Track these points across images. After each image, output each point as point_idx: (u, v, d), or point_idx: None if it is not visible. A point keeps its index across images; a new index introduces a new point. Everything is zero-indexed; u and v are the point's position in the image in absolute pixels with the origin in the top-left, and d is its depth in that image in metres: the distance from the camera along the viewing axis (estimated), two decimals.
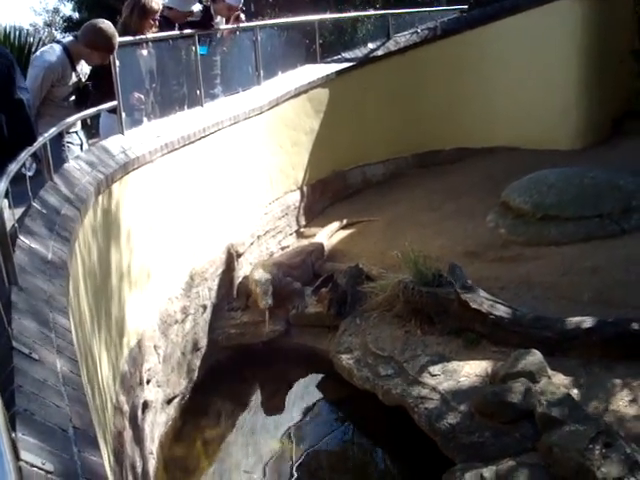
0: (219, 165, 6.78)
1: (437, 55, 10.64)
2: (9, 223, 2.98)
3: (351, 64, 9.91)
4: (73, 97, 5.05)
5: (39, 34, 16.57)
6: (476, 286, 5.56)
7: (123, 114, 5.25)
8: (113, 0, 12.76)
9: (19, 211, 3.50)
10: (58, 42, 4.98)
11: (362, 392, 5.45)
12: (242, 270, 7.23)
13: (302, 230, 8.84)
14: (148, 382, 5.15)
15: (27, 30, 10.66)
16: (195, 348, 6.20)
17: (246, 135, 7.41)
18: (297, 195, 8.84)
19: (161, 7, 5.79)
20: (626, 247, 6.45)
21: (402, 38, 10.70)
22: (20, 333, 2.36)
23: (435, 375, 4.98)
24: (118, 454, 3.99)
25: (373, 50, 10.36)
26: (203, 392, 6.14)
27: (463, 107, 10.60)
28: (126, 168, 4.94)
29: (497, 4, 10.79)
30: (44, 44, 6.75)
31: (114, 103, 5.11)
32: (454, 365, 5.05)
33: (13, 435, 1.68)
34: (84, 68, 5.08)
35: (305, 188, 9.04)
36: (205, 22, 6.74)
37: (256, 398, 6.28)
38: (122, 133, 5.27)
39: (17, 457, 1.59)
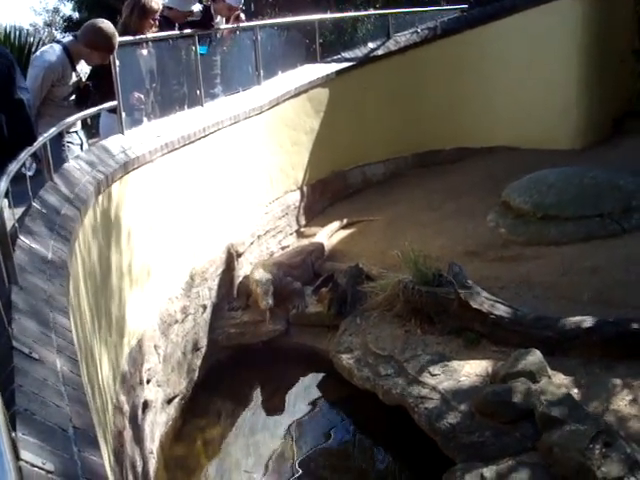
0: (219, 165, 6.78)
1: (437, 55, 10.64)
2: (9, 223, 2.98)
3: (351, 64, 9.90)
4: (73, 97, 5.05)
5: (39, 34, 16.62)
6: (476, 286, 5.56)
7: (123, 114, 5.25)
8: (113, 0, 12.77)
9: (19, 211, 3.50)
10: (58, 42, 4.97)
11: (362, 392, 5.45)
12: (242, 270, 7.23)
13: (302, 230, 8.84)
14: (148, 382, 5.15)
15: (27, 30, 10.69)
16: (195, 348, 6.20)
17: (246, 135, 7.41)
18: (297, 195, 8.84)
19: (161, 7, 5.79)
20: (626, 247, 6.45)
21: (402, 38, 10.69)
22: (20, 333, 2.36)
23: (435, 375, 4.98)
24: (118, 454, 3.99)
25: (373, 50, 10.36)
26: (203, 392, 6.14)
27: (463, 107, 10.59)
28: (126, 168, 4.94)
29: (497, 3, 10.77)
30: (44, 44, 6.75)
31: (114, 103, 5.11)
32: (454, 365, 5.05)
33: (13, 435, 1.68)
34: (84, 68, 5.08)
35: (305, 188, 9.04)
36: (205, 22, 6.73)
37: (256, 398, 6.28)
38: (122, 133, 5.27)
39: (17, 457, 1.59)
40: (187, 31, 6.37)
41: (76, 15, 19.77)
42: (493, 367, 4.92)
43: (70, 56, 4.84)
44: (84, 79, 5.10)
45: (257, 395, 6.33)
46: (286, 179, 8.58)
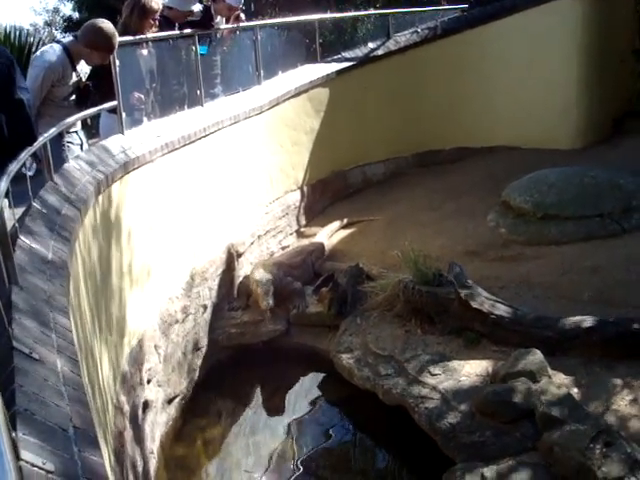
0: (219, 165, 6.78)
1: (437, 54, 10.64)
2: (9, 223, 2.98)
3: (351, 64, 9.90)
4: (73, 97, 5.05)
5: (39, 34, 16.61)
6: (476, 285, 5.56)
7: (123, 114, 5.25)
8: (113, 0, 12.77)
9: (19, 211, 3.50)
10: (58, 42, 4.97)
11: (362, 392, 5.45)
12: (242, 270, 7.23)
13: (302, 230, 8.84)
14: (149, 382, 5.15)
15: (27, 30, 10.68)
16: (196, 348, 6.20)
17: (246, 135, 7.41)
18: (297, 195, 8.84)
19: (161, 7, 5.79)
20: (626, 247, 6.45)
21: (402, 37, 10.69)
22: (21, 333, 2.36)
23: (435, 374, 4.98)
24: (119, 454, 3.99)
25: (373, 49, 10.36)
26: (204, 392, 6.15)
27: (463, 106, 10.59)
28: (126, 168, 4.94)
29: (497, 3, 10.77)
30: (44, 44, 6.75)
31: (114, 103, 5.11)
32: (454, 364, 5.05)
33: (13, 435, 1.68)
34: (84, 68, 5.08)
35: (305, 188, 9.04)
36: (205, 22, 6.73)
37: (257, 398, 6.28)
38: (122, 133, 5.27)
39: (17, 457, 1.59)
40: (187, 31, 6.37)
41: (76, 15, 19.79)
42: (493, 367, 4.92)
43: (70, 56, 4.84)
44: (84, 79, 5.10)
45: (257, 395, 6.33)
46: (286, 179, 8.58)
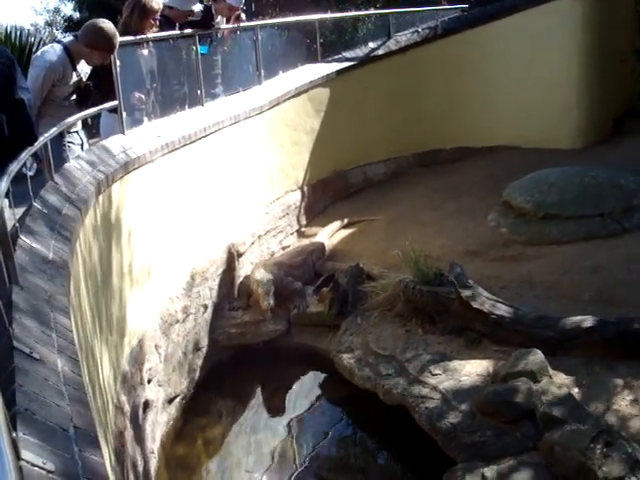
0: (220, 165, 6.78)
1: (438, 54, 10.64)
2: (10, 223, 2.98)
3: (352, 63, 9.90)
4: (74, 97, 5.05)
5: (40, 34, 16.63)
6: (477, 285, 5.56)
7: (124, 114, 5.25)
8: (114, 0, 12.78)
9: (20, 211, 3.50)
10: (59, 42, 4.97)
11: (363, 391, 5.45)
12: (243, 270, 7.23)
13: (303, 230, 8.84)
14: (149, 382, 5.15)
15: (28, 30, 10.69)
16: (196, 348, 6.20)
17: (247, 135, 7.41)
18: (298, 195, 8.84)
19: (161, 7, 5.79)
20: (627, 246, 6.45)
21: (403, 37, 10.69)
22: (21, 333, 2.36)
23: (436, 374, 4.97)
24: (119, 454, 3.99)
25: (374, 49, 10.36)
26: (204, 392, 6.14)
27: (464, 106, 10.59)
28: (127, 168, 4.94)
29: (498, 3, 10.77)
30: (45, 44, 6.75)
31: (115, 103, 5.11)
32: (455, 364, 5.04)
33: (14, 434, 1.68)
34: (84, 67, 5.08)
35: (306, 188, 9.04)
36: (206, 22, 6.73)
37: (257, 397, 6.28)
38: (123, 133, 5.27)
39: (18, 456, 1.59)
40: (188, 31, 6.37)
41: (77, 15, 19.79)
42: (494, 367, 4.91)
43: (71, 56, 4.84)
44: (85, 79, 5.10)
45: (258, 395, 6.33)
46: (287, 179, 8.58)
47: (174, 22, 6.37)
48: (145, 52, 5.76)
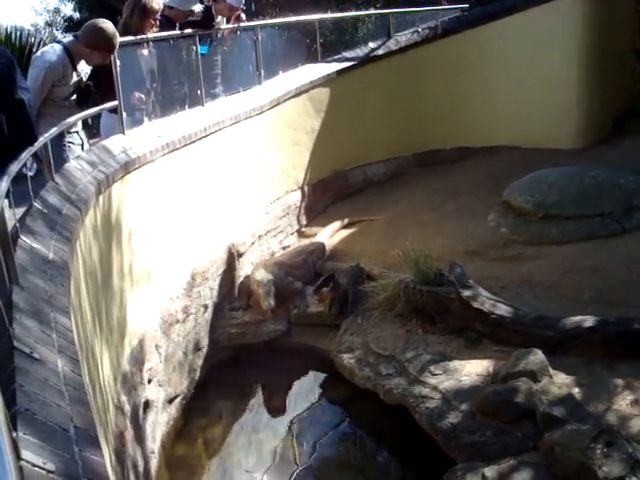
0: (220, 165, 6.79)
1: (438, 54, 10.64)
2: (10, 223, 2.98)
3: (352, 63, 9.90)
4: (74, 97, 5.05)
5: (40, 34, 16.62)
6: (477, 285, 5.56)
7: (124, 114, 5.25)
8: (114, 0, 12.78)
9: (20, 211, 3.50)
10: (59, 42, 4.97)
11: (363, 391, 5.45)
12: (243, 270, 7.23)
13: (303, 230, 8.84)
14: (149, 381, 5.15)
15: (28, 30, 10.67)
16: (196, 348, 6.20)
17: (247, 135, 7.41)
18: (298, 195, 8.84)
19: (162, 7, 5.79)
20: (627, 246, 6.45)
21: (403, 37, 10.69)
22: (21, 333, 2.36)
23: (436, 374, 4.97)
24: (119, 454, 3.99)
25: (374, 49, 10.36)
26: (205, 392, 6.15)
27: (464, 106, 10.59)
28: (127, 168, 4.94)
29: (498, 3, 10.76)
30: (45, 44, 6.74)
31: (115, 103, 5.11)
32: (455, 364, 5.04)
33: (14, 434, 1.68)
34: (84, 67, 5.08)
35: (306, 188, 9.04)
36: (206, 22, 6.73)
37: (257, 398, 6.28)
38: (123, 133, 5.27)
39: (18, 456, 1.59)
40: (188, 31, 6.37)
41: (77, 15, 19.81)
42: (494, 367, 4.91)
43: (71, 56, 4.84)
44: (85, 79, 5.10)
45: (258, 395, 6.33)
46: (287, 179, 8.58)
47: (174, 22, 6.38)
48: (145, 52, 5.76)
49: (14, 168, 2.99)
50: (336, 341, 6.06)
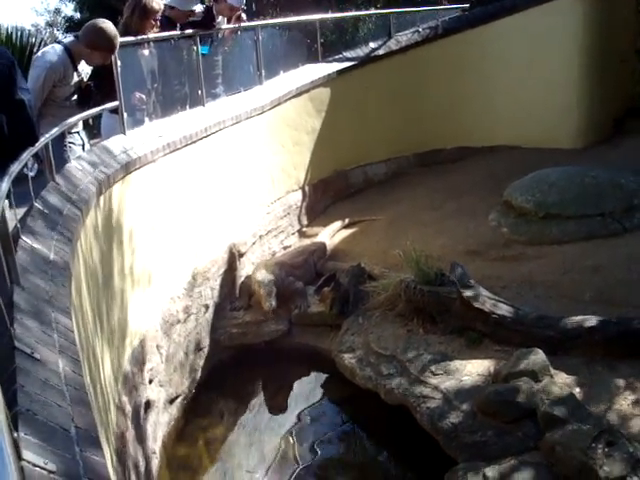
0: (221, 165, 6.79)
1: (438, 54, 10.64)
2: (11, 223, 2.98)
3: (352, 63, 9.90)
4: (75, 97, 5.05)
5: (41, 34, 16.62)
6: (478, 285, 5.55)
7: (125, 114, 5.25)
8: (114, 0, 12.78)
9: (21, 211, 3.50)
10: (59, 42, 4.97)
11: (364, 391, 5.45)
12: (244, 270, 7.23)
13: (304, 229, 8.84)
14: (151, 382, 5.15)
15: (29, 31, 10.68)
16: (197, 348, 6.20)
17: (248, 135, 7.41)
18: (299, 195, 8.84)
19: (162, 7, 5.79)
20: (628, 246, 6.45)
21: (403, 37, 10.69)
22: (22, 333, 2.36)
23: (437, 374, 4.97)
24: (121, 454, 3.99)
25: (374, 49, 10.36)
26: (206, 392, 6.15)
27: (464, 106, 10.59)
28: (128, 168, 4.94)
29: (498, 3, 10.77)
30: (46, 44, 6.75)
31: (116, 103, 5.11)
32: (456, 364, 5.04)
33: (15, 435, 1.68)
34: (85, 68, 5.08)
35: (307, 188, 9.04)
36: (207, 22, 6.74)
37: (259, 397, 6.29)
38: (124, 133, 5.28)
39: (19, 457, 1.60)
40: (188, 31, 6.37)
41: (77, 15, 19.82)
42: (495, 366, 4.91)
43: (71, 56, 4.84)
44: (85, 79, 5.10)
45: (259, 395, 6.33)
46: (288, 179, 8.58)
47: (175, 22, 6.38)
48: (146, 52, 5.76)
49: (15, 168, 2.99)
50: (337, 341, 6.06)
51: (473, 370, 4.95)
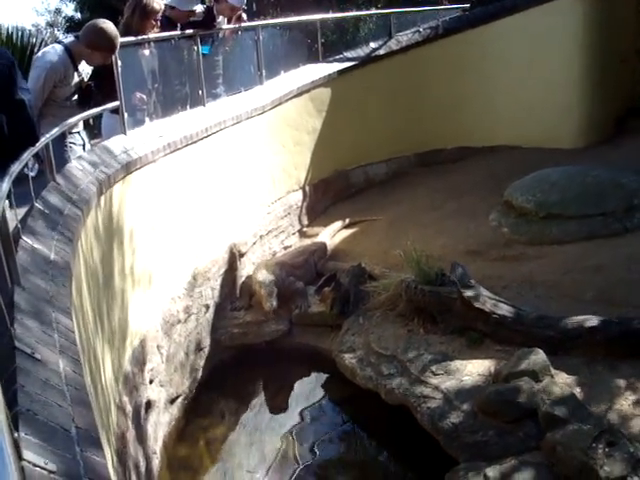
0: (221, 165, 6.79)
1: (439, 54, 10.64)
2: (12, 223, 2.98)
3: (353, 63, 9.90)
4: (75, 97, 5.05)
5: (41, 34, 16.63)
6: (479, 285, 5.55)
7: (125, 114, 5.25)
8: (115, 0, 12.79)
9: (22, 211, 3.50)
10: (60, 42, 4.98)
11: (365, 391, 5.45)
12: (245, 270, 7.23)
13: (305, 230, 8.84)
14: (151, 382, 5.15)
15: (29, 31, 10.69)
16: (198, 348, 6.20)
17: (248, 135, 7.41)
18: (299, 195, 8.84)
19: (162, 7, 5.78)
20: (629, 246, 6.44)
21: (404, 37, 10.69)
22: (23, 333, 2.36)
23: (438, 374, 4.97)
24: (121, 454, 3.99)
25: (375, 49, 10.36)
26: (206, 392, 6.15)
27: (465, 106, 10.59)
28: (128, 168, 4.94)
29: (498, 3, 10.77)
30: (46, 44, 6.75)
31: (116, 103, 5.11)
32: (457, 364, 5.04)
33: (16, 435, 1.68)
34: (86, 68, 5.08)
35: (307, 188, 9.04)
36: (207, 22, 6.73)
37: (259, 397, 6.29)
38: (124, 133, 5.27)
39: (20, 457, 1.60)
40: (189, 31, 6.37)
41: (78, 15, 19.83)
42: (496, 366, 4.91)
43: (72, 56, 4.84)
44: (86, 79, 5.10)
45: (260, 395, 6.33)
46: (288, 179, 8.58)
47: (175, 22, 6.38)
48: (146, 52, 5.76)
49: (15, 168, 2.99)
50: (337, 341, 6.06)
51: (474, 370, 4.95)
